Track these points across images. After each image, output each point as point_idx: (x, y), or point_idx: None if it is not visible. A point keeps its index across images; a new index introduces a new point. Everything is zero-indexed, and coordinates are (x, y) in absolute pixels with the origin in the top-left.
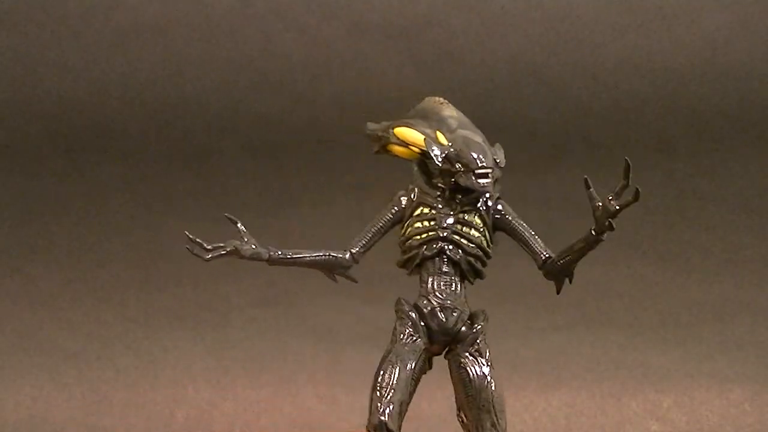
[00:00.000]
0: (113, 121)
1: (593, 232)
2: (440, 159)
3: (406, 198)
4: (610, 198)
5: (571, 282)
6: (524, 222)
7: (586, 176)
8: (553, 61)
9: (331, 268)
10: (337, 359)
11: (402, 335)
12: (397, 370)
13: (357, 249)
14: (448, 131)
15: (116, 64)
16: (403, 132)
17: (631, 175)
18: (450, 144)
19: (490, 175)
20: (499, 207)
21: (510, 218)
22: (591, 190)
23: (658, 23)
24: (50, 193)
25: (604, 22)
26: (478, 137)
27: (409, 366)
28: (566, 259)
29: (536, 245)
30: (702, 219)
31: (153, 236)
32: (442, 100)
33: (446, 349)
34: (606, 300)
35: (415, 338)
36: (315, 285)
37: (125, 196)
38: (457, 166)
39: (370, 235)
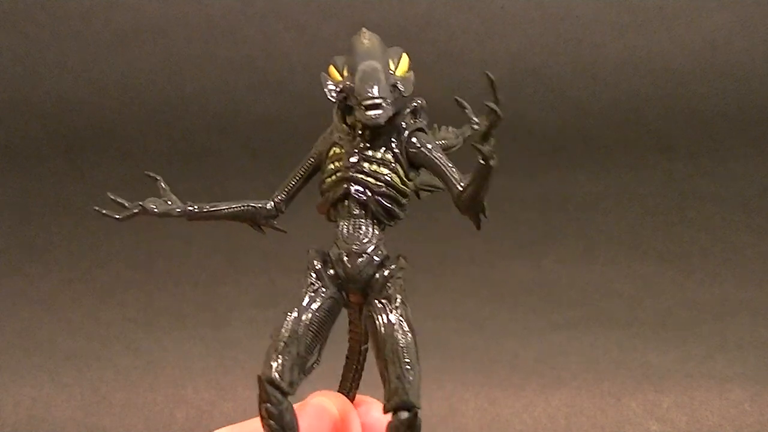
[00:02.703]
0: (113, 121)
1: (480, 161)
2: (333, 95)
3: (322, 139)
4: (477, 123)
5: (485, 216)
6: (444, 155)
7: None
8: (553, 61)
9: (253, 219)
10: (337, 359)
11: (303, 288)
12: (290, 321)
13: (279, 197)
14: (350, 64)
15: (116, 64)
16: (330, 71)
17: (498, 97)
18: (347, 79)
19: (381, 105)
20: (414, 140)
21: (425, 151)
22: (471, 118)
23: (658, 23)
24: (50, 193)
25: (604, 22)
26: (378, 65)
27: (305, 316)
28: (468, 190)
29: (452, 176)
30: (702, 219)
31: (153, 236)
32: (364, 31)
33: (363, 298)
34: (606, 300)
35: (316, 287)
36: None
37: (125, 196)
38: (352, 100)
39: (291, 181)
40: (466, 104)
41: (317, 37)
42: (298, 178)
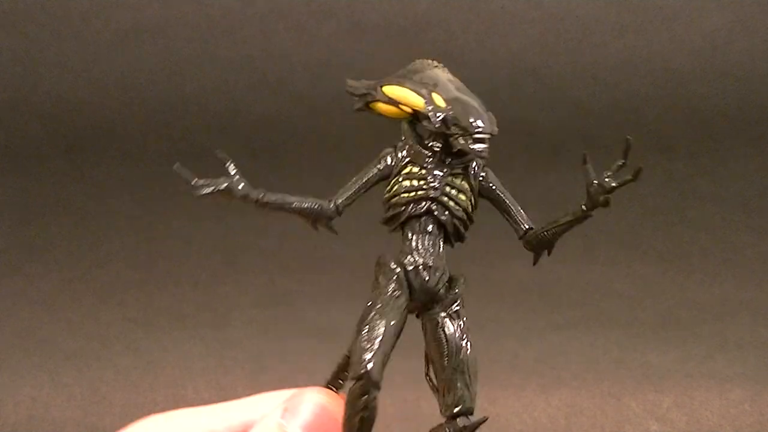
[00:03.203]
0: (113, 121)
1: (584, 207)
2: (438, 121)
3: (392, 155)
4: (607, 176)
5: (549, 254)
6: (510, 194)
7: (585, 152)
8: (553, 61)
9: (315, 218)
10: (336, 359)
11: (387, 289)
12: (384, 323)
13: (341, 200)
14: (445, 93)
15: (116, 64)
16: (394, 90)
17: (629, 155)
18: (448, 107)
19: (487, 141)
20: (485, 174)
21: (494, 186)
22: (587, 165)
23: (658, 23)
24: (50, 193)
25: (604, 22)
26: (475, 102)
27: (393, 321)
28: (551, 231)
29: (518, 215)
30: (702, 219)
31: (153, 236)
32: (436, 63)
33: (422, 308)
34: (606, 300)
35: (398, 294)
36: (315, 285)
37: (125, 196)
38: (453, 129)
39: (355, 188)
40: (589, 167)
41: (317, 37)
42: (362, 186)
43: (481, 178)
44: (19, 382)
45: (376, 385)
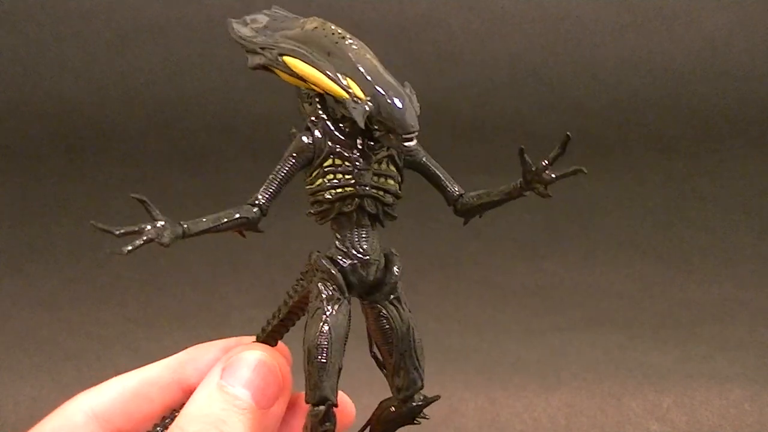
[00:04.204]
0: (113, 121)
1: (519, 186)
2: (362, 119)
3: (308, 136)
4: (545, 163)
5: (480, 217)
6: (435, 162)
7: (522, 146)
8: (553, 61)
9: (244, 228)
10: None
11: (330, 300)
12: (329, 339)
13: (263, 200)
14: (361, 82)
15: (116, 64)
16: (301, 67)
17: (567, 148)
18: (368, 98)
19: (416, 136)
20: (413, 151)
21: (421, 158)
22: (525, 156)
23: (658, 23)
24: (50, 193)
25: (604, 22)
26: (397, 85)
27: (340, 331)
28: (482, 202)
29: (446, 182)
30: (702, 219)
31: None
32: (340, 32)
33: (362, 295)
34: (606, 300)
35: (341, 301)
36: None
37: (125, 196)
38: (378, 125)
39: (275, 184)
40: (526, 156)
41: None
42: (283, 179)
43: (406, 153)
44: (19, 382)
45: (335, 405)
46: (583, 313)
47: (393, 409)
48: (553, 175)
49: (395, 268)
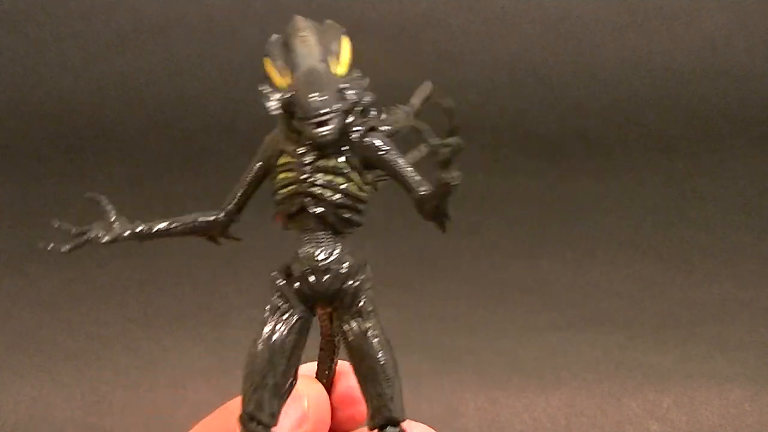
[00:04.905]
0: (113, 121)
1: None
2: (274, 108)
3: (270, 141)
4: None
5: (449, 219)
6: (401, 157)
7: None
8: (553, 61)
9: (207, 233)
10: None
11: (273, 310)
12: (262, 352)
13: (230, 205)
14: (290, 65)
15: (116, 64)
16: (265, 64)
17: (455, 125)
18: (292, 86)
19: (330, 121)
20: (367, 142)
21: (380, 153)
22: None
23: (658, 23)
24: (50, 193)
25: (604, 22)
26: (320, 66)
27: (276, 344)
28: (432, 204)
29: (410, 181)
30: (702, 219)
31: None
32: (299, 24)
33: (331, 311)
34: (606, 300)
35: (283, 309)
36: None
37: (125, 196)
38: (298, 112)
39: (241, 190)
40: (424, 126)
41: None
42: (246, 186)
43: (360, 147)
44: (19, 382)
45: (262, 423)
46: (582, 312)
47: None
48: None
49: (357, 277)
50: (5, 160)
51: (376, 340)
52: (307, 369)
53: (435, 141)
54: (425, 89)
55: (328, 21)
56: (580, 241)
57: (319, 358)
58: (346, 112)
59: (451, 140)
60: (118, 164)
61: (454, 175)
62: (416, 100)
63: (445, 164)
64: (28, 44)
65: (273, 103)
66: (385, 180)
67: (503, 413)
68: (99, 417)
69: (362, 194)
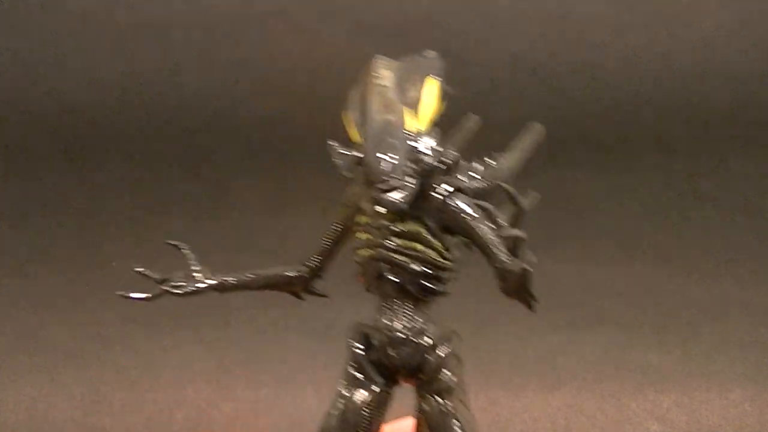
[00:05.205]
0: (113, 121)
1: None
2: (344, 168)
3: (352, 195)
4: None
5: (535, 300)
6: (484, 226)
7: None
8: (553, 61)
9: (289, 287)
10: (337, 359)
11: (348, 381)
12: (338, 425)
13: (313, 262)
14: (365, 118)
15: (116, 64)
16: (346, 117)
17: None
18: (360, 146)
19: (402, 187)
20: (448, 206)
21: (463, 219)
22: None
23: (658, 23)
24: (50, 193)
25: (604, 21)
26: (392, 119)
27: (351, 417)
28: (508, 285)
29: (494, 252)
30: (702, 219)
31: (153, 236)
32: (376, 67)
33: (413, 382)
34: (606, 300)
35: (363, 384)
36: (314, 285)
37: (125, 196)
38: (371, 174)
39: (324, 245)
40: (512, 190)
41: (317, 38)
42: (328, 242)
43: (441, 212)
44: (19, 382)
45: None
46: (582, 312)
47: None
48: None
49: (440, 350)
50: (5, 160)
51: (455, 421)
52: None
53: (506, 227)
54: (534, 133)
55: (429, 53)
56: (580, 241)
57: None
58: (421, 176)
59: (512, 231)
60: (118, 164)
61: (520, 266)
62: (522, 146)
63: (515, 251)
64: (28, 44)
65: (342, 163)
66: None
67: (503, 413)
68: (99, 417)
69: (444, 262)
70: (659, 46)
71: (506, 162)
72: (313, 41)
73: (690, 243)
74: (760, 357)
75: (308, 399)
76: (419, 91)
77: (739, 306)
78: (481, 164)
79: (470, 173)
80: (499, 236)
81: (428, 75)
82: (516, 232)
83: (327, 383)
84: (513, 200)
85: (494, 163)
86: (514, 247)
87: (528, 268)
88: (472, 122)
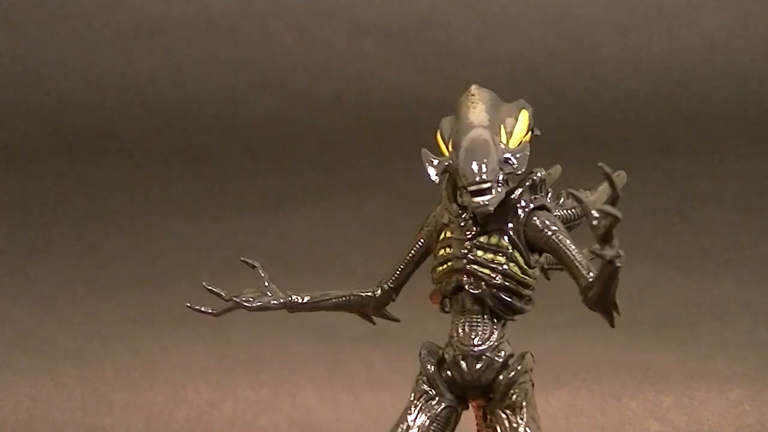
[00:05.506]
0: (113, 121)
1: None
2: (435, 175)
3: (433, 218)
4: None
5: (618, 313)
6: (570, 243)
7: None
8: (553, 61)
9: (361, 308)
10: (337, 359)
11: (417, 395)
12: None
13: (388, 283)
14: (455, 134)
15: (116, 64)
16: (436, 140)
17: (617, 193)
18: (451, 155)
19: (489, 189)
20: (533, 222)
21: (547, 234)
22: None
23: (658, 23)
24: (50, 193)
25: (604, 22)
26: (487, 135)
27: (417, 427)
28: (596, 289)
29: (579, 268)
30: (702, 219)
31: (153, 236)
32: (473, 90)
33: (483, 401)
34: None
35: (430, 395)
36: (315, 285)
37: (125, 196)
38: (461, 180)
39: (401, 267)
40: (582, 197)
41: (317, 38)
42: (406, 262)
43: (526, 227)
44: (19, 382)
45: None
46: (582, 312)
47: None
48: (594, 222)
49: (513, 368)
50: (5, 160)
51: None
52: None
53: (592, 207)
54: (620, 180)
55: (520, 101)
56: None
57: None
58: (508, 183)
59: (608, 208)
60: (118, 164)
61: (613, 252)
62: (608, 190)
63: (605, 238)
64: (28, 44)
65: (433, 170)
66: (558, 269)
67: None
68: (99, 417)
69: (525, 278)
70: (659, 46)
71: (592, 197)
72: (313, 41)
73: (690, 243)
74: (760, 357)
75: (308, 399)
76: (513, 116)
77: (739, 306)
78: (567, 197)
79: (558, 202)
80: (594, 216)
81: (521, 106)
82: (614, 210)
83: (327, 383)
84: (608, 179)
85: (582, 196)
86: (608, 229)
87: (621, 253)
88: (554, 170)
